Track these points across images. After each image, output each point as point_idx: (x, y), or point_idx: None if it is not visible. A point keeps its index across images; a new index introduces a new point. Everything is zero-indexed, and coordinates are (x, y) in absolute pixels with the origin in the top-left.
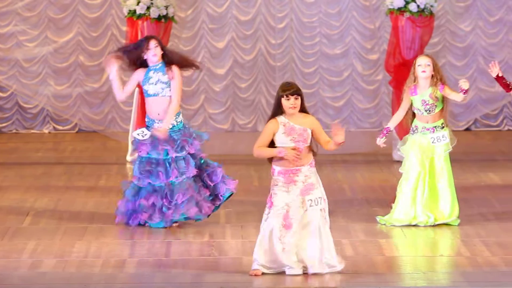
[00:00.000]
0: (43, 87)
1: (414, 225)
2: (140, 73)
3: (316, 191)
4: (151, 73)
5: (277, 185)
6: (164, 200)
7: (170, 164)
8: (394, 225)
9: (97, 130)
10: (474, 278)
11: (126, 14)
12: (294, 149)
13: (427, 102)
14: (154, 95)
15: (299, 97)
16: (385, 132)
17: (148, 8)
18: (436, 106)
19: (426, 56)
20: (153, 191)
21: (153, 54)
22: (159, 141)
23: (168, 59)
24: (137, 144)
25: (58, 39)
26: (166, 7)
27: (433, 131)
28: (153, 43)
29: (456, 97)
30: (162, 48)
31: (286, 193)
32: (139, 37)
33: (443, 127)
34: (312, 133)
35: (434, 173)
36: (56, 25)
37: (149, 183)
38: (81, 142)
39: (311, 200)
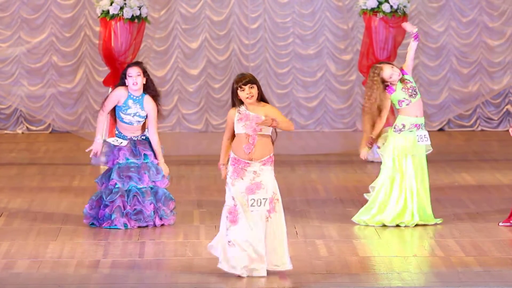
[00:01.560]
0: (16, 87)
1: (397, 226)
2: (121, 95)
3: (262, 191)
4: (130, 103)
5: (228, 175)
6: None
7: (153, 167)
8: (384, 225)
9: (70, 131)
10: (448, 278)
11: (99, 14)
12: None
13: (408, 87)
14: (129, 123)
15: (254, 86)
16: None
17: (121, 8)
18: (415, 86)
19: (387, 65)
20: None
21: (133, 82)
22: (139, 148)
23: (149, 92)
24: (113, 150)
25: (31, 40)
26: (139, 8)
27: (419, 128)
28: (134, 71)
29: (411, 49)
30: (146, 78)
31: (232, 186)
32: (112, 38)
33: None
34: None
35: (412, 173)
36: (29, 25)
37: (131, 185)
38: (54, 142)
39: (253, 199)
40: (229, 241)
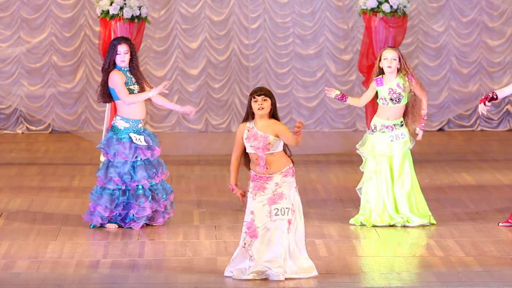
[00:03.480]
0: (16, 87)
1: (392, 226)
2: (120, 75)
3: (285, 201)
4: (128, 74)
5: (249, 190)
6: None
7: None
8: (374, 225)
9: (70, 131)
10: (447, 278)
11: (99, 14)
12: (242, 195)
13: (394, 90)
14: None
15: (268, 99)
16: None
17: (121, 8)
18: (403, 96)
19: (392, 49)
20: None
21: (121, 59)
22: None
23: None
24: (136, 149)
25: (31, 40)
26: (139, 8)
27: (392, 129)
28: (122, 49)
29: (419, 94)
30: (132, 54)
31: (252, 200)
32: (112, 38)
33: (402, 125)
34: (280, 137)
35: (388, 175)
36: (29, 25)
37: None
38: (54, 142)
39: (277, 209)
40: (251, 256)
